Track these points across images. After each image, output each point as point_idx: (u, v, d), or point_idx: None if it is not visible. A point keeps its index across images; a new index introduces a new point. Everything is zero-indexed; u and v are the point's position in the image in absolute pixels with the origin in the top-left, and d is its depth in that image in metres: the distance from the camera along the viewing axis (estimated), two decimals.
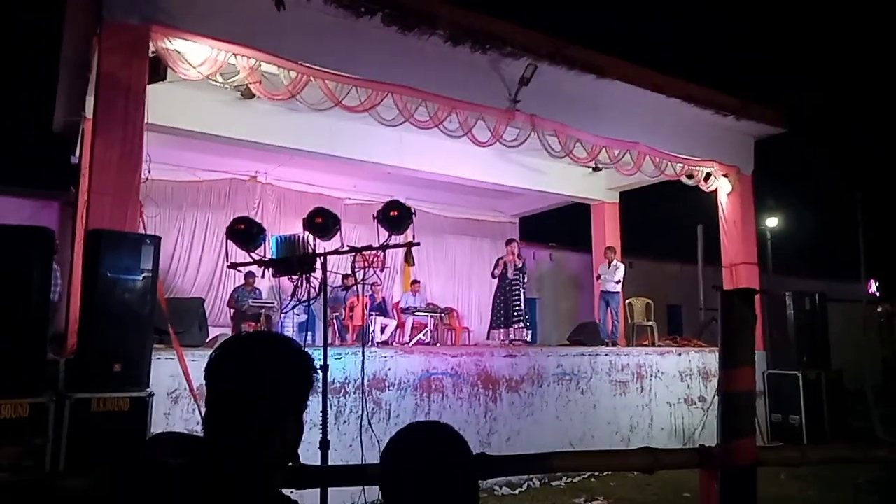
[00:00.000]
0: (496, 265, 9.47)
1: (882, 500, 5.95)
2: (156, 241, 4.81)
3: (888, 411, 9.43)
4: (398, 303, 11.30)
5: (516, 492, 6.35)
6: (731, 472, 2.35)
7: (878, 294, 10.38)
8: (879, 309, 9.53)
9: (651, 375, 8.21)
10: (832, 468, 6.51)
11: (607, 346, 9.05)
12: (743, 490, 2.42)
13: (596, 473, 6.90)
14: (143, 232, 5.27)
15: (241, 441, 1.12)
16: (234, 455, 1.11)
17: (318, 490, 3.61)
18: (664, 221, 18.96)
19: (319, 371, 1.30)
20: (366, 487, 4.77)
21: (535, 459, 2.45)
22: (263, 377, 1.15)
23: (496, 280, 9.52)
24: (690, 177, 9.48)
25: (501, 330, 9.24)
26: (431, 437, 1.25)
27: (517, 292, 9.31)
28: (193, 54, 5.89)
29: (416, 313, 10.29)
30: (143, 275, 4.62)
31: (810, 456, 2.56)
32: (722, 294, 2.22)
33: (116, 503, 1.09)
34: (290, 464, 1.27)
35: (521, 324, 9.25)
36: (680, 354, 8.71)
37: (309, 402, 1.24)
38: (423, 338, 9.73)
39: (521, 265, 9.40)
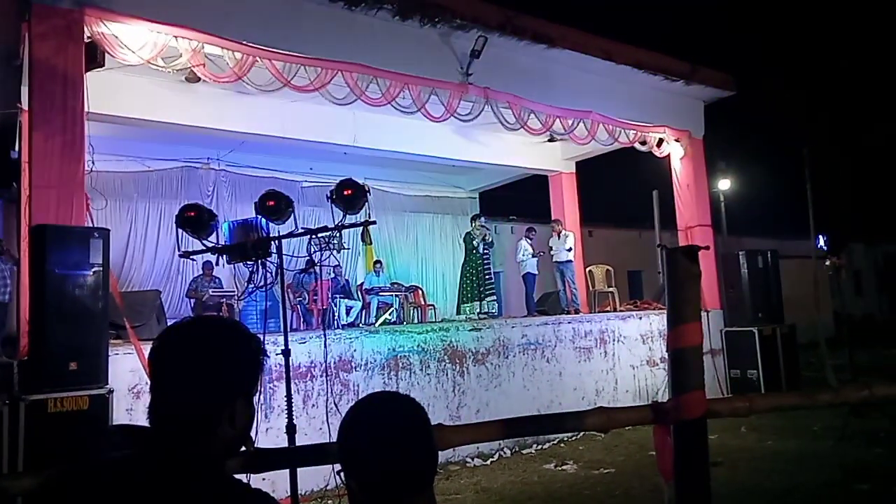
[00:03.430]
0: (473, 237, 9.51)
1: (861, 444, 6.10)
2: (104, 233, 4.70)
3: (840, 361, 9.80)
4: (362, 284, 11.24)
5: (488, 462, 6.44)
6: (683, 424, 2.40)
7: (826, 248, 10.75)
8: (828, 262, 9.87)
9: (614, 340, 8.40)
10: (789, 419, 6.77)
11: (568, 314, 9.20)
12: (695, 441, 2.48)
13: (564, 439, 7.06)
14: (90, 225, 5.12)
15: (188, 427, 1.10)
16: (182, 442, 1.09)
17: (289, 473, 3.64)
18: (620, 189, 19.21)
19: (268, 354, 1.26)
20: (335, 466, 4.79)
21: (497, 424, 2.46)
22: (206, 360, 1.13)
23: (463, 255, 9.62)
24: (643, 143, 9.62)
25: (476, 303, 9.34)
26: (387, 403, 1.23)
27: (488, 265, 9.44)
28: (132, 38, 5.65)
29: (381, 293, 10.25)
30: (93, 269, 4.52)
31: (759, 404, 2.63)
32: (666, 252, 2.25)
33: (66, 503, 1.07)
34: (244, 448, 1.23)
35: (493, 296, 9.42)
36: (641, 318, 8.91)
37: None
38: (389, 317, 9.72)
39: (490, 240, 9.58)
